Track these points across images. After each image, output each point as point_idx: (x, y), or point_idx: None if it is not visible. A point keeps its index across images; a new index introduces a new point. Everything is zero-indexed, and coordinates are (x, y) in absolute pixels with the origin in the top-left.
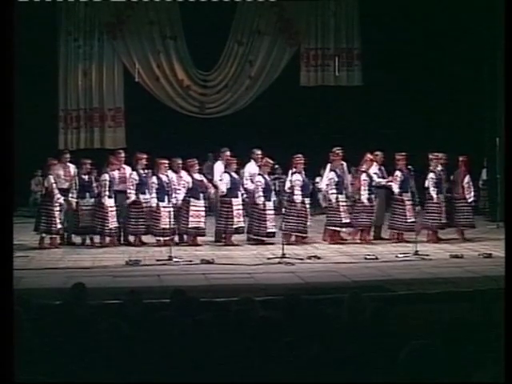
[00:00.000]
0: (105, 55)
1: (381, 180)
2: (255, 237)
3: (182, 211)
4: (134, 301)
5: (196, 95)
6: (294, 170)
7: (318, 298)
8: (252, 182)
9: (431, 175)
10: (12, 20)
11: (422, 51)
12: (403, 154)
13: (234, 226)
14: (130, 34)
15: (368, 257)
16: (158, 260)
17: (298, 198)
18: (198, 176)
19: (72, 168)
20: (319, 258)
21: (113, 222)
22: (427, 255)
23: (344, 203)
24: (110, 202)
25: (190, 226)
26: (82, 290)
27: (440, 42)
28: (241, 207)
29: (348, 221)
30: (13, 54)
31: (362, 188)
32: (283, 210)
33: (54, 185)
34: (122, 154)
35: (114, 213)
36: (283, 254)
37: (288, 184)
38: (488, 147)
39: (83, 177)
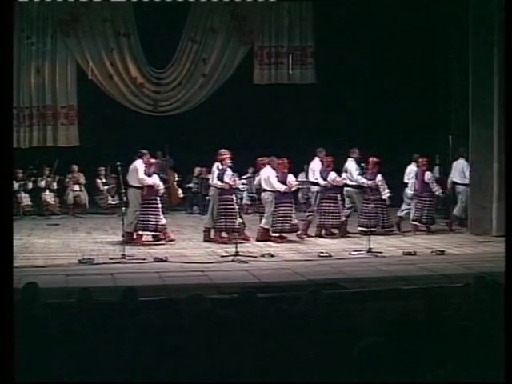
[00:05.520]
0: (58, 53)
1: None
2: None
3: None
4: (87, 300)
5: (149, 93)
6: (374, 170)
7: (272, 295)
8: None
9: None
10: (12, 20)
11: (375, 49)
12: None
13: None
14: (83, 31)
15: (321, 254)
16: (111, 258)
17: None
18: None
19: None
20: (273, 255)
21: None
22: (380, 252)
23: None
24: None
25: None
26: (34, 290)
27: (393, 41)
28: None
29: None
30: (12, 55)
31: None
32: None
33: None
34: None
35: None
36: (237, 252)
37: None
38: (440, 145)
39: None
